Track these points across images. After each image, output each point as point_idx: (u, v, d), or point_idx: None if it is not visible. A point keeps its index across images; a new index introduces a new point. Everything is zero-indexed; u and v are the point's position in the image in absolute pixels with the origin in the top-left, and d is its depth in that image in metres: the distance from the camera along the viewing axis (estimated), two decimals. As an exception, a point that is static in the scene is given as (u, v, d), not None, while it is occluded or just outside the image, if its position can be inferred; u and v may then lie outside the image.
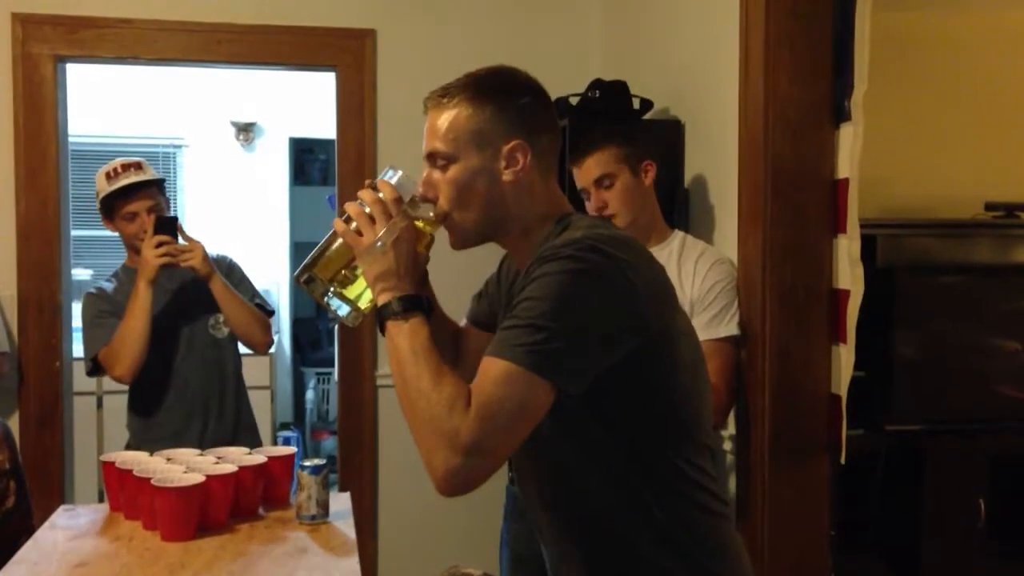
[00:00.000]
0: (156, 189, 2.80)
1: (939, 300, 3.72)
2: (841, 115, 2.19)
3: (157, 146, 5.79)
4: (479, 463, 1.21)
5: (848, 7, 2.17)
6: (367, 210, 1.37)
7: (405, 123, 3.34)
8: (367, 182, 1.41)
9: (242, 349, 2.91)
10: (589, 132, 2.37)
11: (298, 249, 6.16)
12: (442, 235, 1.44)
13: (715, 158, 2.50)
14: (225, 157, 5.93)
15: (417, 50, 3.43)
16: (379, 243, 1.35)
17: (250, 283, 2.96)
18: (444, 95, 1.42)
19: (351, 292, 1.42)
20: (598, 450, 1.37)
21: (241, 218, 5.71)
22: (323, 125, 5.94)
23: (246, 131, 5.92)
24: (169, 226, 2.70)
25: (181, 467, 2.06)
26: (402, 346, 1.29)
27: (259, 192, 5.96)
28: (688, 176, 2.67)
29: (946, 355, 3.64)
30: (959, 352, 3.75)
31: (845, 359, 2.19)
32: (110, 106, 5.51)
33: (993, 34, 4.38)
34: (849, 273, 2.16)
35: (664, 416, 1.38)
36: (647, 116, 2.79)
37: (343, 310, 1.43)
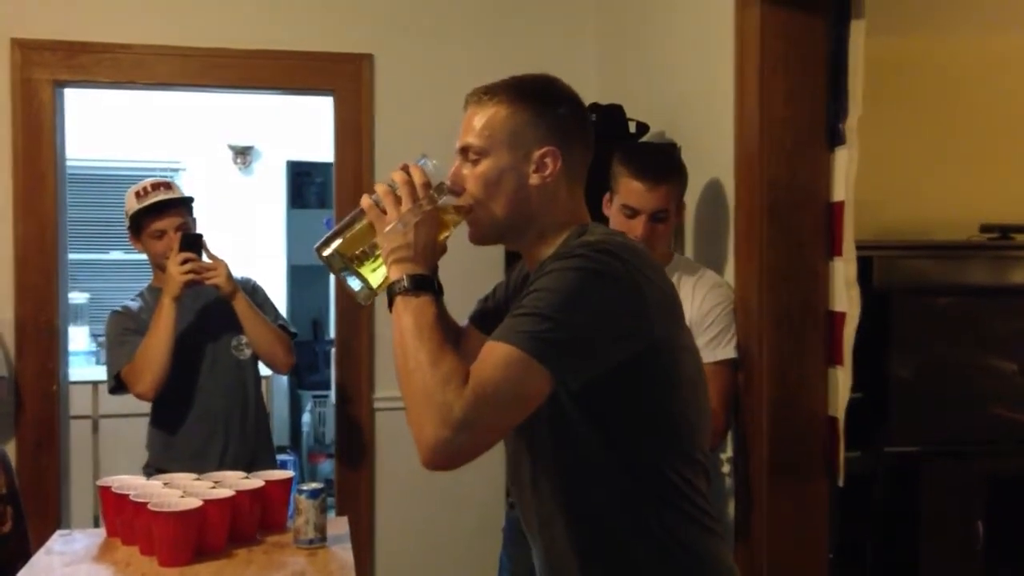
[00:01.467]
0: (184, 208, 2.82)
1: (935, 322, 3.73)
2: (836, 138, 2.21)
3: (155, 170, 5.78)
4: (467, 439, 1.22)
5: (842, 32, 2.19)
6: (396, 191, 1.40)
7: (402, 147, 3.38)
8: (401, 165, 1.43)
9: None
10: (666, 160, 2.36)
11: (295, 272, 6.16)
12: (460, 235, 1.46)
13: (711, 181, 2.51)
14: (222, 180, 5.94)
15: (414, 74, 3.45)
16: (402, 222, 1.37)
17: (272, 305, 2.99)
18: (486, 92, 1.45)
19: (367, 270, 1.44)
20: (594, 460, 1.38)
21: (238, 241, 5.71)
22: (320, 148, 5.98)
23: (243, 155, 5.94)
24: (195, 243, 2.72)
25: (178, 491, 2.06)
26: (407, 322, 1.31)
27: (256, 215, 5.97)
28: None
29: (943, 376, 3.65)
30: (956, 373, 3.76)
31: (842, 381, 2.20)
32: (107, 130, 5.52)
33: (982, 57, 4.41)
34: (845, 295, 2.17)
35: (661, 428, 1.39)
36: (643, 139, 2.81)
37: (356, 286, 1.46)
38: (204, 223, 2.93)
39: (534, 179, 1.43)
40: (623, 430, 1.37)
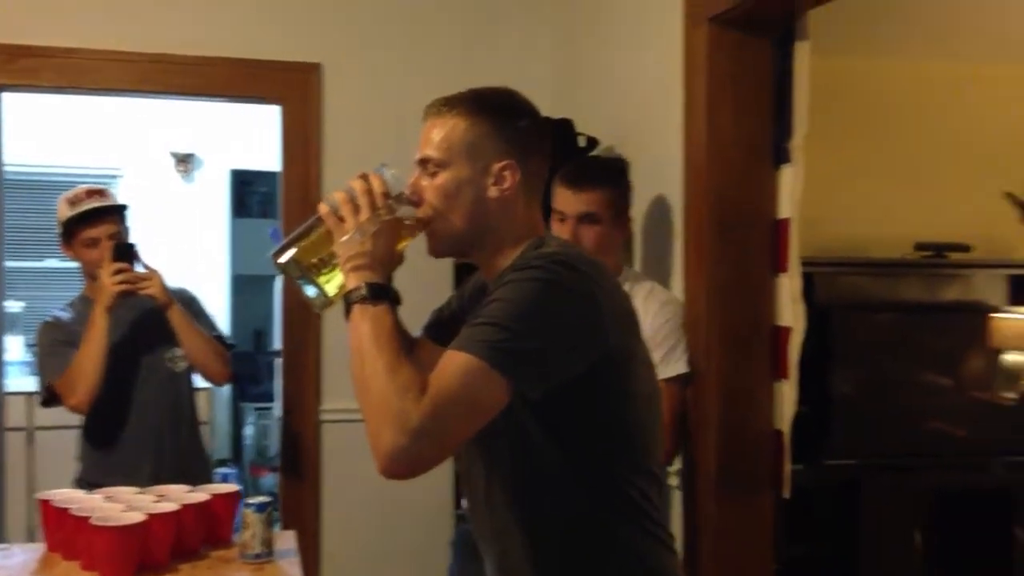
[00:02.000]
0: (118, 216, 2.76)
1: (874, 338, 3.83)
2: (781, 157, 2.25)
3: (92, 176, 5.65)
4: (425, 447, 1.22)
5: (787, 52, 2.24)
6: (354, 199, 1.39)
7: (351, 158, 3.37)
8: (360, 173, 1.42)
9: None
10: (594, 164, 2.43)
11: (238, 282, 6.09)
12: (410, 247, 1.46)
13: (659, 196, 2.55)
14: (163, 188, 5.84)
15: (363, 85, 3.44)
16: (361, 231, 1.37)
17: (208, 317, 2.94)
18: (446, 104, 1.46)
19: (324, 278, 1.44)
20: (550, 471, 1.39)
21: (179, 251, 5.63)
22: (264, 157, 5.92)
23: (185, 162, 5.85)
24: (128, 253, 2.66)
25: (121, 505, 2.02)
26: (365, 330, 1.31)
27: (198, 224, 5.89)
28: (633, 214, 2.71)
29: (880, 391, 3.75)
30: (893, 388, 3.86)
31: (788, 395, 2.24)
32: (43, 134, 5.39)
33: (917, 81, 4.54)
34: (791, 310, 2.21)
35: (617, 439, 1.41)
36: (593, 153, 2.84)
37: (312, 294, 1.45)
38: (144, 231, 2.88)
39: (493, 192, 1.44)
40: (579, 441, 1.38)
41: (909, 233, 4.28)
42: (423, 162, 1.45)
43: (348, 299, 1.36)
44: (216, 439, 5.73)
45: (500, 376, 1.25)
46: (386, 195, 1.40)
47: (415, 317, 1.68)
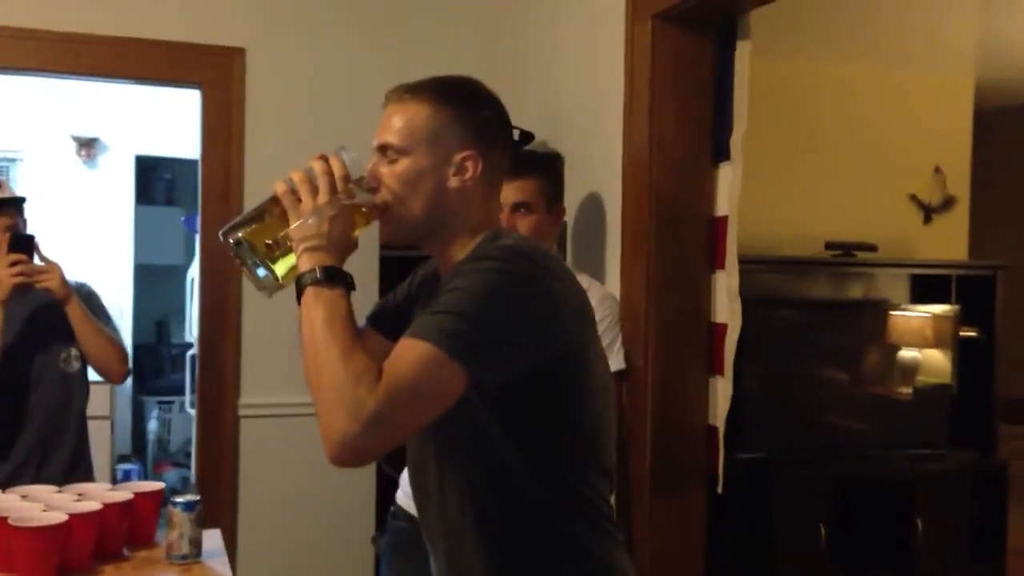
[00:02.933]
0: (15, 208, 2.65)
1: (781, 334, 3.93)
2: (720, 154, 2.28)
3: (-11, 159, 5.45)
4: (377, 435, 1.21)
5: (728, 51, 2.26)
6: (313, 180, 1.36)
7: (275, 143, 3.29)
8: (317, 155, 1.38)
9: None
10: (527, 154, 2.39)
11: (141, 272, 5.89)
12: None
13: (593, 192, 2.55)
14: (65, 173, 5.61)
15: (288, 71, 3.35)
16: (318, 213, 1.33)
17: (107, 312, 2.83)
18: (408, 91, 1.43)
19: (275, 261, 1.39)
20: (506, 467, 1.37)
21: (82, 239, 5.41)
22: (170, 142, 5.76)
23: (88, 146, 5.62)
24: (25, 245, 2.55)
25: (40, 505, 1.93)
26: (318, 314, 1.28)
27: (101, 212, 5.67)
28: (567, 209, 2.70)
29: (788, 386, 3.85)
30: (800, 383, 3.97)
31: (722, 390, 2.26)
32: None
33: (828, 84, 4.67)
34: (728, 307, 2.24)
35: (572, 435, 1.40)
36: (527, 147, 2.82)
37: (263, 275, 1.39)
38: (44, 220, 2.76)
39: (453, 182, 1.41)
40: (535, 436, 1.37)
41: (820, 233, 4.40)
42: (382, 148, 1.42)
43: (301, 282, 1.32)
44: (117, 434, 5.53)
45: (457, 365, 1.23)
46: (346, 178, 1.36)
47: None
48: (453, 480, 1.42)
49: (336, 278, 1.31)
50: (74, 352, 2.69)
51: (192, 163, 5.60)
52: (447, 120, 1.41)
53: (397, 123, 1.41)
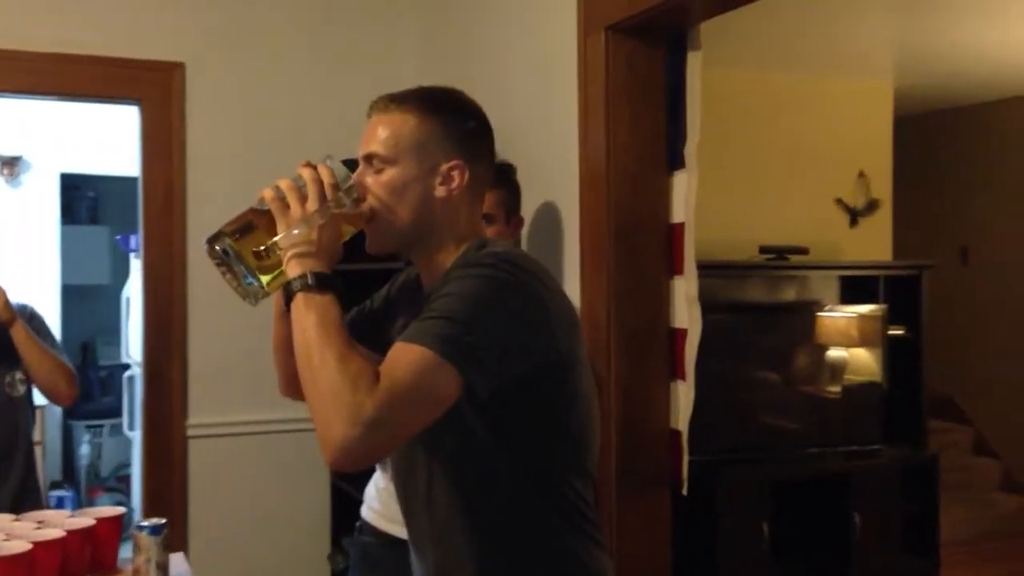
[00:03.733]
0: None
1: (717, 337, 4.00)
2: (675, 163, 2.32)
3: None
4: (377, 439, 1.21)
5: (678, 62, 2.31)
6: (302, 188, 1.35)
7: (216, 158, 3.25)
8: (304, 162, 1.38)
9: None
10: (498, 168, 2.38)
11: (68, 292, 5.73)
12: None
13: (551, 202, 2.57)
14: (-15, 193, 5.44)
15: (228, 85, 3.32)
16: (307, 221, 1.33)
17: (51, 334, 2.77)
18: (393, 100, 1.43)
19: (261, 269, 1.37)
20: (495, 472, 1.39)
21: (5, 260, 5.25)
22: (95, 159, 5.62)
23: (11, 165, 5.45)
24: None
25: (0, 534, 1.87)
26: (311, 320, 1.28)
27: (26, 232, 5.50)
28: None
29: (725, 388, 3.92)
30: (735, 386, 4.06)
31: (684, 395, 2.30)
32: None
33: (756, 92, 4.79)
34: (687, 312, 2.28)
35: (561, 441, 1.42)
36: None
37: (248, 283, 1.38)
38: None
39: (440, 191, 1.42)
40: (524, 442, 1.39)
41: (753, 237, 4.51)
42: (368, 158, 1.43)
43: (290, 288, 1.32)
44: (47, 460, 5.36)
45: (451, 368, 1.24)
46: (335, 187, 1.36)
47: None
48: (442, 486, 1.43)
49: (326, 284, 1.31)
50: (19, 376, 2.63)
51: (118, 180, 5.50)
52: (433, 130, 1.42)
53: (383, 133, 1.42)
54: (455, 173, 1.43)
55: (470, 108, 1.49)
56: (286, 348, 1.40)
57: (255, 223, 1.37)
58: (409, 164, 1.41)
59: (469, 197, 1.46)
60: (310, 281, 1.30)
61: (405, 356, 1.24)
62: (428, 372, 1.23)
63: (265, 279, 1.38)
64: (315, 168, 1.37)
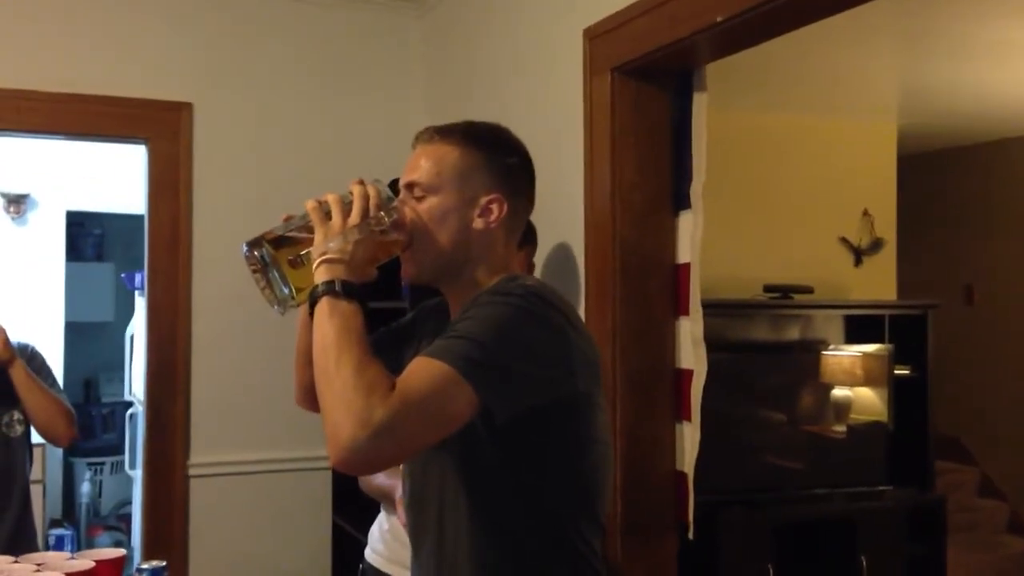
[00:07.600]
0: None
1: (722, 376, 3.98)
2: (680, 203, 2.32)
3: (-88, 216, 5.26)
4: (383, 444, 1.21)
5: (685, 103, 2.32)
6: (348, 202, 1.38)
7: (222, 197, 3.26)
8: (356, 180, 1.41)
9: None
10: None
11: (72, 330, 5.73)
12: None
13: (559, 242, 2.57)
14: (-8, 231, 5.45)
15: (235, 125, 3.34)
16: (346, 235, 1.35)
17: (52, 375, 2.77)
18: (439, 132, 1.46)
19: (294, 278, 1.39)
20: (508, 514, 1.39)
21: (10, 297, 5.25)
22: (101, 197, 5.64)
23: (17, 203, 5.48)
24: None
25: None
26: (333, 324, 1.28)
27: (31, 269, 5.51)
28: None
29: (730, 428, 3.89)
30: (742, 425, 4.02)
31: (690, 436, 2.28)
32: None
33: (761, 133, 4.81)
34: (692, 353, 2.27)
35: (570, 482, 1.41)
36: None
37: (280, 291, 1.40)
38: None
39: (478, 223, 1.44)
40: (536, 479, 1.38)
41: (758, 276, 4.50)
42: (410, 186, 1.45)
43: (315, 292, 1.33)
44: (48, 499, 5.33)
45: (469, 387, 1.25)
46: (380, 207, 1.39)
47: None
48: (453, 516, 1.43)
49: (352, 292, 1.33)
50: (16, 416, 2.62)
51: (124, 217, 5.52)
52: (475, 163, 1.45)
53: (426, 163, 1.45)
54: (494, 206, 1.44)
55: (513, 144, 1.52)
56: (307, 357, 1.40)
57: (294, 234, 1.40)
58: (450, 194, 1.43)
59: (506, 231, 1.48)
60: (337, 287, 1.32)
61: (424, 369, 1.25)
62: (445, 387, 1.24)
63: (296, 288, 1.40)
64: (365, 185, 1.40)
